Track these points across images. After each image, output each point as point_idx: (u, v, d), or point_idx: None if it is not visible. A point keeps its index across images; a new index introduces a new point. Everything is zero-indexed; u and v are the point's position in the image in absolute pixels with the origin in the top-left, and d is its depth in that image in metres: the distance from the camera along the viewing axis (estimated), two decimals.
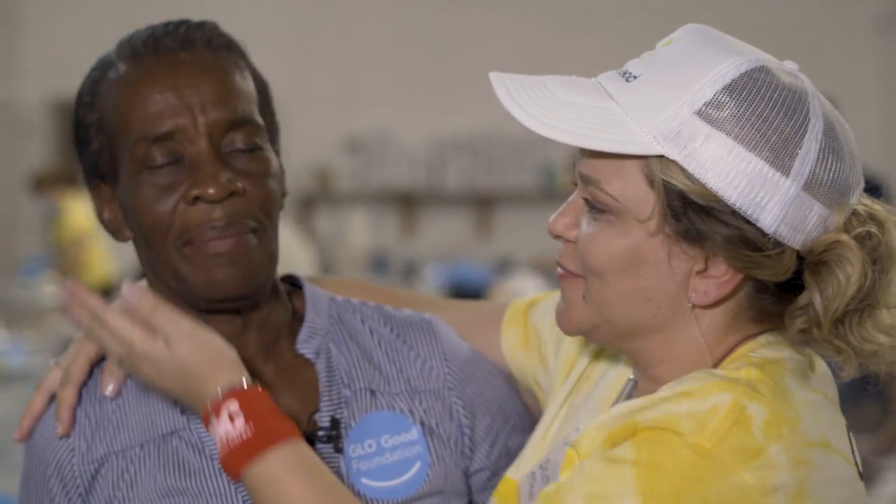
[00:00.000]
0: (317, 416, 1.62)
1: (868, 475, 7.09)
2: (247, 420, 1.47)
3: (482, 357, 1.76)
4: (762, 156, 1.37)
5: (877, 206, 1.42)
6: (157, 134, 1.55)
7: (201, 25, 1.63)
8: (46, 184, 10.80)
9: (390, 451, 1.63)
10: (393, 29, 11.94)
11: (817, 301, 1.37)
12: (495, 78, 1.55)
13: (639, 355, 1.48)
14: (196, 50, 1.59)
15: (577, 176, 1.48)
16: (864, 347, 1.38)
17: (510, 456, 1.70)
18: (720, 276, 1.40)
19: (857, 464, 1.39)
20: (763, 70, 1.41)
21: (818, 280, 1.38)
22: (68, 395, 1.64)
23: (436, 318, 1.77)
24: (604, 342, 1.51)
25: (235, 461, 1.47)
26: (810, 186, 1.38)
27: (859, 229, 1.39)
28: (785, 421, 1.31)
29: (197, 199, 1.54)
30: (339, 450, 1.60)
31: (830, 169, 1.39)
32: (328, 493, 1.46)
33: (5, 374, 6.99)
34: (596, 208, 1.44)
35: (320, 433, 1.60)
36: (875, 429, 7.65)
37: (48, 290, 9.70)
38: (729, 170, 1.36)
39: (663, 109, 1.39)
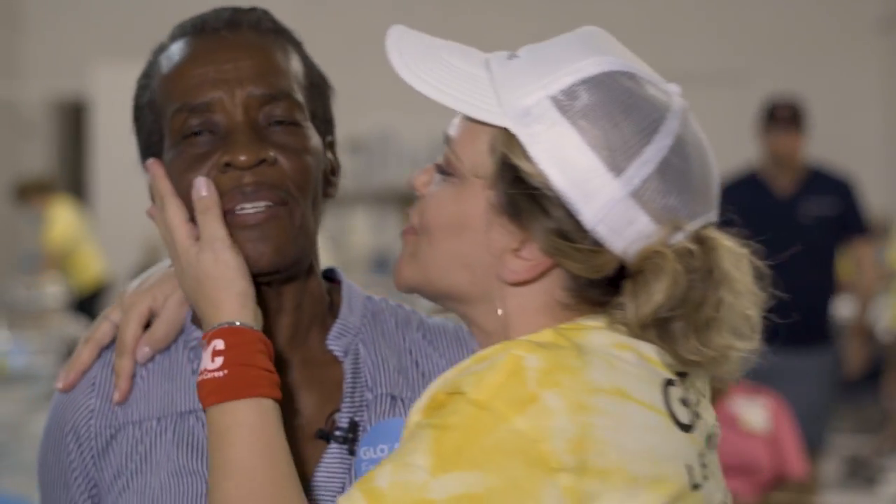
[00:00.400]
0: (336, 416, 1.61)
1: (869, 475, 7.10)
2: (224, 363, 1.48)
3: None
4: (598, 153, 1.38)
5: (713, 233, 1.43)
6: (193, 104, 1.57)
7: (251, 10, 1.66)
8: (30, 192, 10.81)
9: None
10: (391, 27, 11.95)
11: (629, 305, 1.39)
12: (395, 29, 1.58)
13: (467, 322, 1.52)
14: (241, 31, 1.63)
15: (446, 137, 1.52)
16: (686, 357, 1.39)
17: None
18: (532, 259, 1.42)
19: (672, 414, 1.38)
20: (627, 76, 1.43)
21: (634, 286, 1.40)
22: (126, 365, 1.65)
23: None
24: (436, 303, 1.54)
25: (203, 395, 1.49)
26: (640, 195, 1.39)
27: (681, 245, 1.40)
28: (564, 369, 1.34)
29: (228, 165, 1.55)
30: (352, 452, 1.59)
31: (668, 186, 1.40)
32: (270, 462, 1.46)
33: (7, 375, 7.00)
34: (444, 170, 1.49)
35: (337, 433, 1.60)
36: (876, 429, 7.66)
37: (50, 290, 9.71)
38: (564, 158, 1.39)
39: (521, 87, 1.43)
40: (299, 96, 1.61)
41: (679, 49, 12.09)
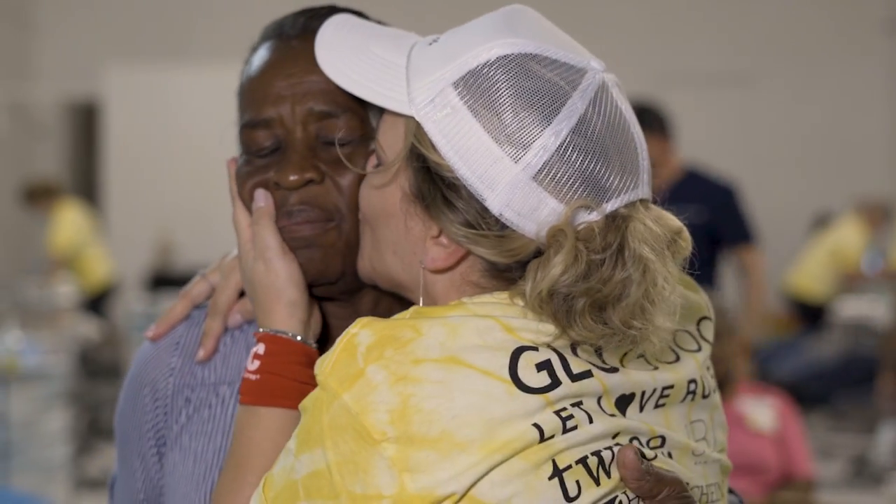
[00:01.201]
0: None
1: (876, 475, 7.08)
2: (259, 368, 1.55)
3: None
4: (496, 138, 1.39)
5: (634, 212, 1.42)
6: (257, 119, 1.60)
7: (331, 12, 1.65)
8: (36, 195, 10.82)
9: None
10: (411, 29, 11.94)
11: (529, 281, 1.39)
12: (329, 23, 1.56)
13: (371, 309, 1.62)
14: (312, 39, 1.60)
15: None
16: (573, 335, 1.39)
17: None
18: (448, 246, 1.44)
19: (516, 379, 1.36)
20: (530, 57, 1.42)
21: (537, 263, 1.40)
22: (216, 326, 1.71)
23: None
24: (393, 291, 1.57)
25: (241, 391, 1.56)
26: (542, 179, 1.39)
27: (587, 224, 1.40)
28: (391, 342, 1.35)
29: (277, 185, 1.59)
30: None
31: (572, 167, 1.39)
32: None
33: (20, 374, 7.00)
34: (377, 160, 1.51)
35: None
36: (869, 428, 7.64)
37: (62, 290, 9.72)
38: (465, 146, 1.39)
39: (428, 74, 1.43)
40: (360, 109, 1.60)
41: (685, 50, 12.09)
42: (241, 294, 1.71)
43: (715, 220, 5.97)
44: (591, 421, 1.38)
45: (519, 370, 1.36)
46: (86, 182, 12.91)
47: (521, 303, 1.40)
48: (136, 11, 12.50)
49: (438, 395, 1.33)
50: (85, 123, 12.96)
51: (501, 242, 1.41)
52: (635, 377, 1.44)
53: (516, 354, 1.37)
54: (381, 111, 1.58)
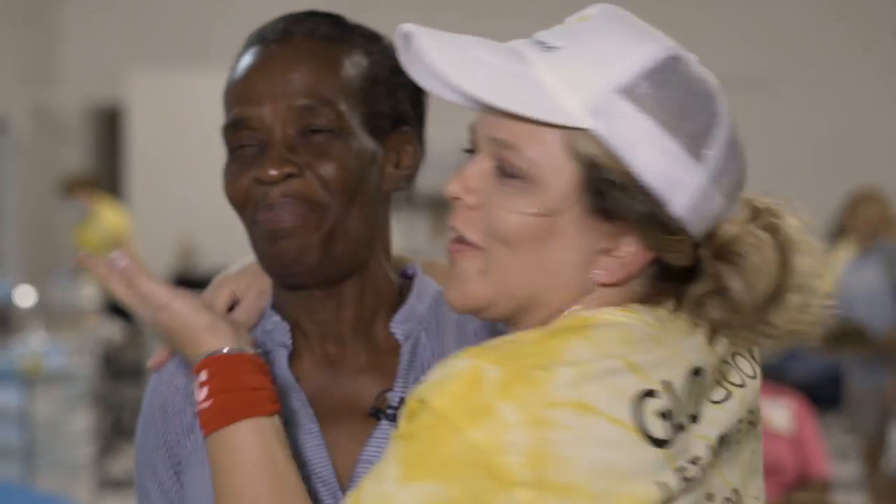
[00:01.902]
0: (389, 395, 1.65)
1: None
2: (209, 393, 1.51)
3: None
4: (679, 141, 1.35)
5: (766, 199, 1.43)
6: (238, 119, 1.63)
7: (308, 18, 1.69)
8: (79, 187, 10.85)
9: None
10: None
11: (738, 288, 1.36)
12: (418, 30, 1.48)
13: (513, 328, 1.44)
14: (292, 42, 1.65)
15: (487, 140, 1.42)
16: (790, 328, 1.38)
17: None
18: (627, 256, 1.38)
19: (642, 429, 1.32)
20: (679, 60, 1.40)
21: (736, 268, 1.37)
22: None
23: None
24: (491, 319, 1.46)
25: (202, 428, 1.52)
26: (717, 177, 1.37)
27: (767, 220, 1.39)
28: (523, 380, 1.29)
29: (258, 180, 1.61)
30: None
31: (733, 162, 1.39)
32: (273, 481, 1.47)
33: (45, 375, 7.02)
34: (508, 174, 1.39)
35: (389, 411, 1.63)
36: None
37: (86, 292, 9.74)
38: (648, 150, 1.35)
39: (588, 83, 1.36)
40: (343, 105, 1.63)
41: (702, 54, 12.05)
42: (230, 308, 1.72)
43: None
44: (702, 477, 1.37)
45: (645, 419, 1.32)
46: (109, 185, 12.94)
47: (662, 313, 1.38)
48: (159, 17, 12.53)
49: (574, 443, 1.28)
50: (108, 127, 12.99)
51: (684, 245, 1.37)
52: (731, 408, 1.44)
53: (642, 400, 1.33)
54: (390, 95, 1.64)
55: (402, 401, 1.58)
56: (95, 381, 7.43)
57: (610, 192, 1.35)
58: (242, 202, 1.64)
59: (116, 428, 8.44)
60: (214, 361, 1.52)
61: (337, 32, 1.70)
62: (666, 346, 1.38)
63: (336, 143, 1.62)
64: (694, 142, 1.36)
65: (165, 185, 11.43)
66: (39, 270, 11.83)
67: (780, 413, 4.68)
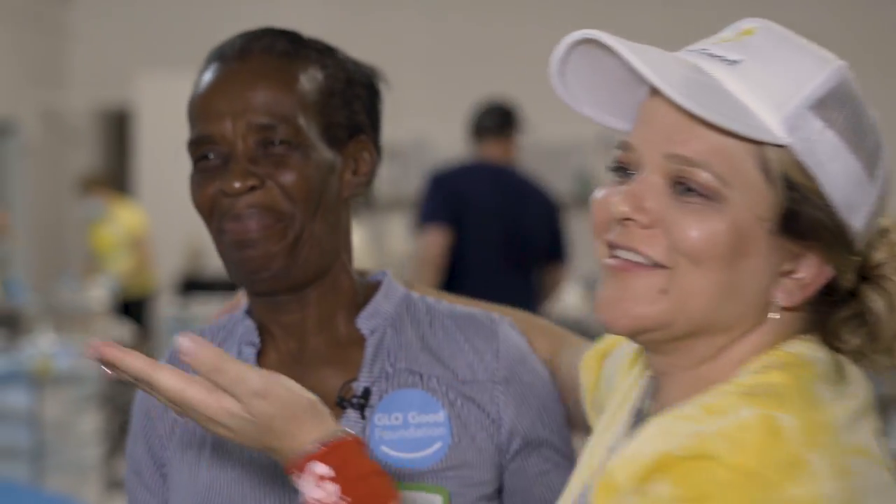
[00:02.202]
0: (353, 385, 1.71)
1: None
2: (343, 489, 1.35)
3: (536, 364, 1.81)
4: (860, 159, 1.32)
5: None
6: (202, 135, 1.71)
7: (264, 35, 1.76)
8: (96, 186, 10.86)
9: (415, 427, 1.71)
10: (429, 39, 11.96)
11: (882, 311, 1.33)
12: (623, 45, 1.36)
13: (689, 354, 1.36)
14: (251, 59, 1.73)
15: (662, 157, 1.34)
16: None
17: (540, 460, 1.77)
18: (806, 278, 1.33)
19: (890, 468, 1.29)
20: (850, 77, 1.38)
21: (881, 292, 1.34)
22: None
23: (505, 319, 1.82)
24: (661, 340, 1.36)
25: None
26: (882, 195, 1.35)
27: None
28: (819, 428, 1.23)
29: (224, 192, 1.69)
30: (364, 417, 1.69)
31: (890, 184, 1.36)
32: None
33: (53, 376, 7.02)
34: (693, 191, 1.32)
35: (353, 400, 1.69)
36: None
37: (95, 293, 9.75)
38: (837, 168, 1.31)
39: (783, 98, 1.31)
40: (301, 119, 1.71)
41: None
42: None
43: (543, 233, 6.13)
44: None
45: (888, 458, 1.30)
46: (118, 187, 12.95)
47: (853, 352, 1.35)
48: (167, 20, 12.54)
49: (868, 491, 1.24)
50: (117, 129, 13.00)
51: (854, 266, 1.34)
52: None
53: (881, 438, 1.31)
54: (346, 106, 1.72)
55: (365, 389, 1.69)
56: (104, 382, 7.43)
57: (803, 210, 1.31)
58: (208, 212, 1.71)
59: (125, 429, 8.39)
60: (334, 450, 1.37)
61: (292, 48, 1.76)
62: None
63: (295, 155, 1.69)
64: (870, 160, 1.33)
65: (173, 187, 11.39)
66: (48, 272, 11.84)
67: None
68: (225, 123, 1.69)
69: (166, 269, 11.24)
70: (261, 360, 1.75)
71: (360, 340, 1.76)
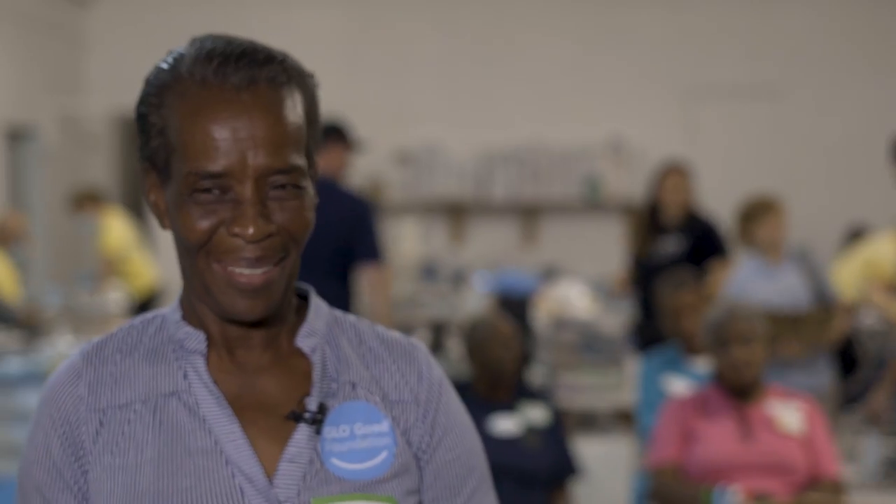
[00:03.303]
0: (307, 400, 1.71)
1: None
2: None
3: (454, 394, 1.84)
4: None
5: None
6: (208, 171, 1.62)
7: (268, 62, 1.67)
8: (86, 201, 10.94)
9: (361, 438, 1.72)
10: (442, 45, 11.97)
11: None
12: None
13: None
14: (259, 90, 1.64)
15: None
16: None
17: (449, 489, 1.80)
18: None
19: None
20: None
21: None
22: None
23: (421, 344, 1.86)
24: None
25: None
26: None
27: None
28: None
29: (236, 234, 1.62)
30: (318, 432, 1.69)
31: None
32: None
33: None
34: None
35: (307, 415, 1.70)
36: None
37: (112, 296, 9.77)
38: None
39: None
40: (299, 159, 1.65)
41: (711, 63, 12.06)
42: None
43: (350, 235, 6.06)
44: None
45: None
46: (133, 192, 12.97)
47: None
48: (184, 27, 12.57)
49: None
50: (133, 136, 13.03)
51: None
52: None
53: None
54: (315, 124, 1.67)
55: (320, 405, 1.70)
56: None
57: None
58: (199, 245, 1.65)
59: None
60: None
61: (290, 78, 1.68)
62: None
63: (299, 199, 1.66)
64: None
65: None
66: (66, 274, 11.87)
67: (793, 415, 4.69)
68: (238, 161, 1.62)
69: (167, 272, 11.25)
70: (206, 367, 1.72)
71: (298, 354, 1.75)
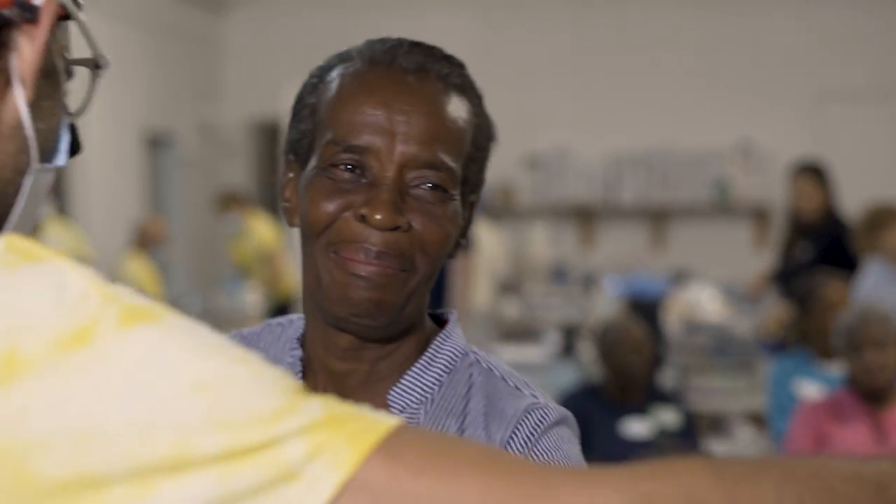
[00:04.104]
0: None
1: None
2: None
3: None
4: None
5: None
6: (351, 144, 1.47)
7: (444, 59, 1.52)
8: (231, 202, 11.08)
9: None
10: (571, 50, 11.94)
11: None
12: None
13: None
14: (427, 79, 1.49)
15: None
16: None
17: None
18: None
19: None
20: None
21: None
22: None
23: (539, 416, 1.50)
24: None
25: None
26: None
27: None
28: None
29: (363, 217, 1.45)
30: None
31: None
32: None
33: None
34: None
35: None
36: None
37: (249, 298, 9.89)
38: None
39: None
40: (458, 168, 1.49)
41: (846, 66, 11.87)
42: None
43: None
44: None
45: None
46: (269, 196, 13.12)
47: None
48: (315, 35, 12.69)
49: None
50: (268, 141, 13.17)
51: None
52: None
53: None
54: (479, 163, 1.49)
55: None
56: None
57: None
58: (321, 227, 1.48)
59: None
60: None
61: (464, 85, 1.54)
62: None
63: (442, 206, 1.48)
64: None
65: None
66: (206, 277, 12.04)
67: None
68: (386, 142, 1.46)
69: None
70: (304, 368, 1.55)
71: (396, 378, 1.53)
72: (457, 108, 1.51)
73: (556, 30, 11.99)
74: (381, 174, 1.46)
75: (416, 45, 1.52)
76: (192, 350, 0.93)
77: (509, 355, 6.96)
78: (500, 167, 11.22)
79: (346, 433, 0.91)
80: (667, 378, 7.13)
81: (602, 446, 4.98)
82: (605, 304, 8.91)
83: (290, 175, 1.57)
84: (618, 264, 11.45)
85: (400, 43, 1.53)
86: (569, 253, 11.98)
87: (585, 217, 12.11)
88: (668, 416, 5.12)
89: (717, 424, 7.14)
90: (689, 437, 5.13)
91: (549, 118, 11.95)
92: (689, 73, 11.89)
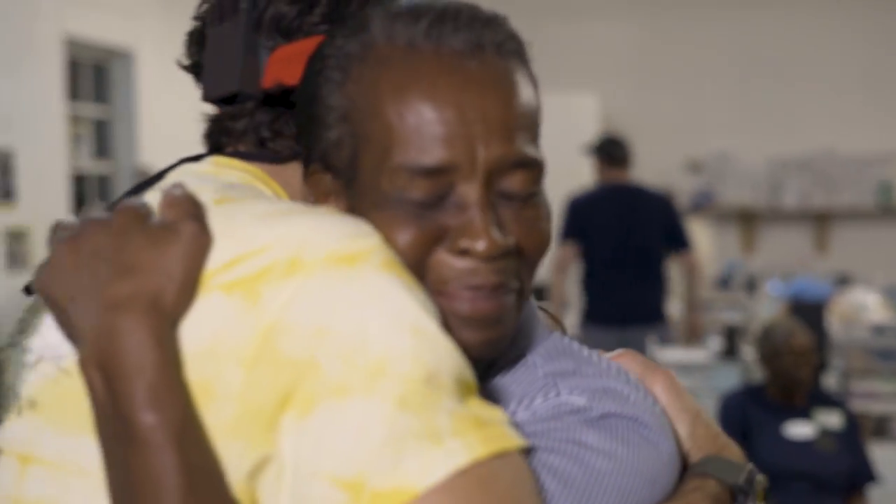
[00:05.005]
0: None
1: None
2: None
3: None
4: None
5: None
6: (425, 166, 1.18)
7: (492, 22, 1.23)
8: None
9: None
10: (733, 54, 11.82)
11: None
12: None
13: None
14: (486, 57, 1.20)
15: None
16: None
17: None
18: None
19: None
20: None
21: None
22: None
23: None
24: None
25: None
26: None
27: None
28: None
29: (464, 251, 1.19)
30: None
31: None
32: None
33: None
34: None
35: None
36: None
37: None
38: None
39: None
40: (541, 156, 1.23)
41: None
42: None
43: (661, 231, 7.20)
44: None
45: None
46: None
47: None
48: None
49: None
50: None
51: None
52: None
53: None
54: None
55: None
56: None
57: None
58: (416, 271, 1.18)
59: None
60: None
61: (519, 49, 1.26)
62: None
63: (535, 208, 1.24)
64: None
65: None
66: None
67: None
68: (466, 151, 1.18)
69: None
70: None
71: None
72: (524, 84, 1.23)
73: (718, 34, 11.88)
74: (467, 193, 1.19)
75: (458, 14, 1.22)
76: (422, 307, 1.11)
77: (674, 357, 6.94)
78: (661, 171, 11.17)
79: (482, 433, 1.06)
80: (830, 381, 7.04)
81: (764, 447, 4.94)
82: (769, 308, 8.81)
83: (323, 186, 1.27)
84: (781, 268, 11.30)
85: (439, 15, 1.21)
86: (732, 257, 11.86)
87: (748, 220, 11.98)
88: (831, 419, 5.05)
89: (882, 428, 7.02)
90: (853, 440, 5.05)
91: (711, 122, 11.84)
92: (852, 76, 11.69)
